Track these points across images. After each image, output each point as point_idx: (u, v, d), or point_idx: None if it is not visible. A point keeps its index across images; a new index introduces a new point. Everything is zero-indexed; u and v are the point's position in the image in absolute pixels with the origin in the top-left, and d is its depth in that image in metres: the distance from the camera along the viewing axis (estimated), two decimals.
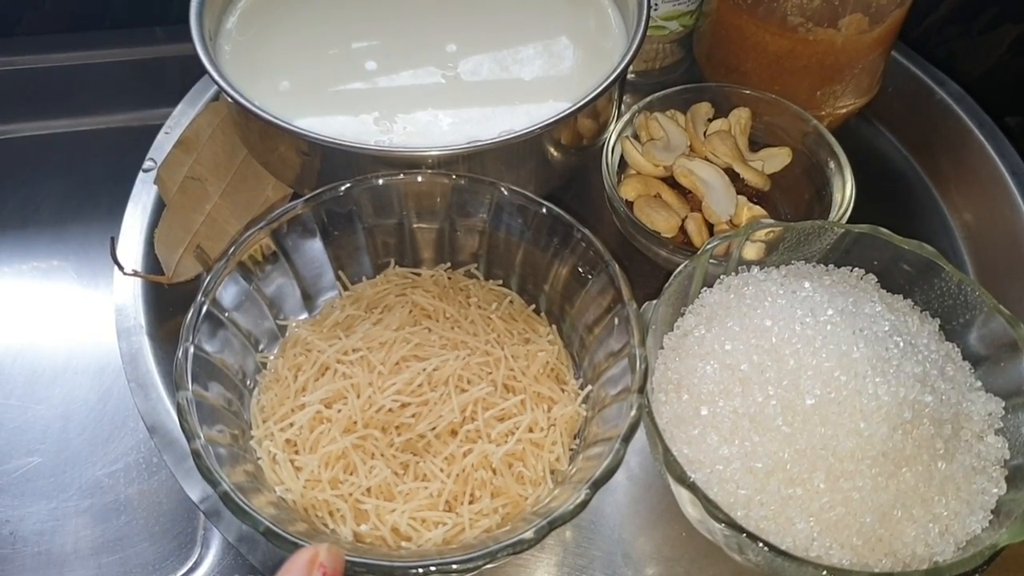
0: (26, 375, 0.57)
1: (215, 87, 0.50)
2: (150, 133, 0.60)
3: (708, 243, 0.46)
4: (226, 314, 0.44)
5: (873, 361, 0.42)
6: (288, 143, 0.50)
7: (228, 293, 0.44)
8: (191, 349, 0.41)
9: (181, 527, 0.52)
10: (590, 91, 0.49)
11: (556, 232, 0.47)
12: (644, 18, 0.51)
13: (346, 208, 0.48)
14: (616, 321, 0.44)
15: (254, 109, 0.47)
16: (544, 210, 0.47)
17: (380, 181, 0.47)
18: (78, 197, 0.66)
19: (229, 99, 0.48)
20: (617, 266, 0.45)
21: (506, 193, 0.47)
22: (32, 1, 0.73)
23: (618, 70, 0.50)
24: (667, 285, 0.45)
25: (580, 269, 0.47)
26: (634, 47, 0.50)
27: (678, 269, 0.46)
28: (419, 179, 0.47)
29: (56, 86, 0.71)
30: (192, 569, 0.50)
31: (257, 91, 0.52)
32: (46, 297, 0.61)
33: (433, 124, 0.51)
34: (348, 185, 0.47)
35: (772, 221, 0.48)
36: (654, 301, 0.45)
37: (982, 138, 0.59)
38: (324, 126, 0.51)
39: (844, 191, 0.53)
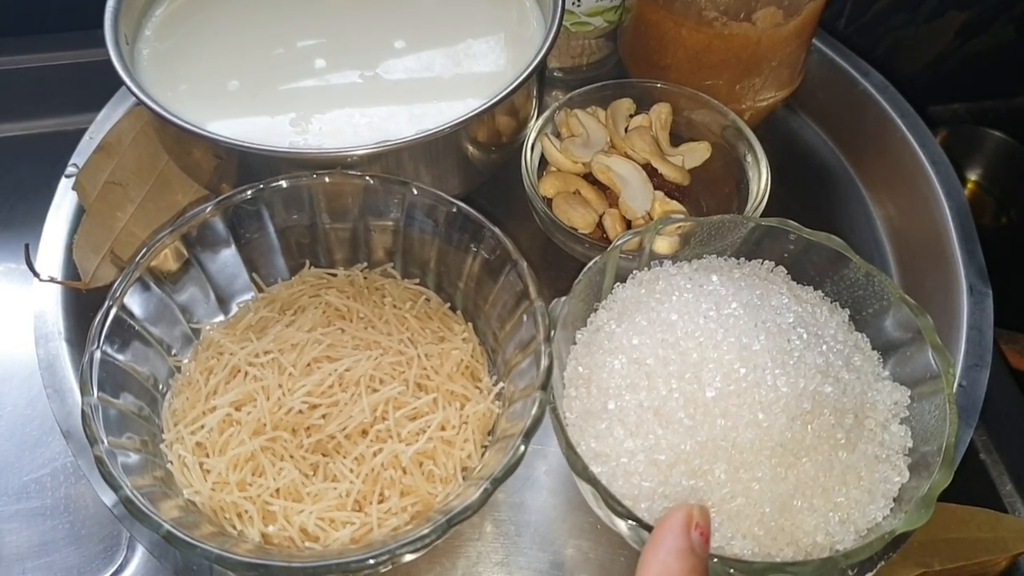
0: None
1: None
2: (79, 138, 0.60)
3: (618, 239, 0.47)
4: (137, 322, 0.44)
5: (773, 353, 0.42)
6: (203, 147, 0.50)
7: (137, 299, 0.45)
8: (97, 355, 0.42)
9: (107, 531, 0.52)
10: (506, 86, 0.49)
11: (467, 230, 0.47)
12: (559, 13, 0.51)
13: (257, 210, 0.48)
14: (525, 318, 0.44)
15: (165, 114, 0.47)
16: (455, 209, 0.47)
17: (287, 183, 0.47)
18: (8, 204, 0.66)
19: (142, 104, 0.48)
20: (525, 264, 0.45)
21: (416, 193, 0.48)
22: None
23: (531, 66, 0.50)
24: (577, 281, 0.45)
25: (491, 267, 0.47)
26: (547, 43, 0.50)
27: (588, 265, 0.46)
28: (327, 180, 0.48)
29: None
30: (117, 572, 0.51)
31: (175, 96, 0.52)
32: None
33: (349, 124, 0.52)
34: (257, 187, 0.47)
35: (682, 216, 0.49)
36: (563, 298, 0.45)
37: (904, 128, 0.60)
38: (240, 129, 0.51)
39: (759, 183, 0.53)
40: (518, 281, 0.45)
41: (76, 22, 0.76)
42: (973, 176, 0.94)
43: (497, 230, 0.46)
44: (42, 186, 0.66)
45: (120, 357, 0.43)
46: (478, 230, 0.47)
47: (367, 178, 0.48)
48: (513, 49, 0.56)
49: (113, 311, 0.43)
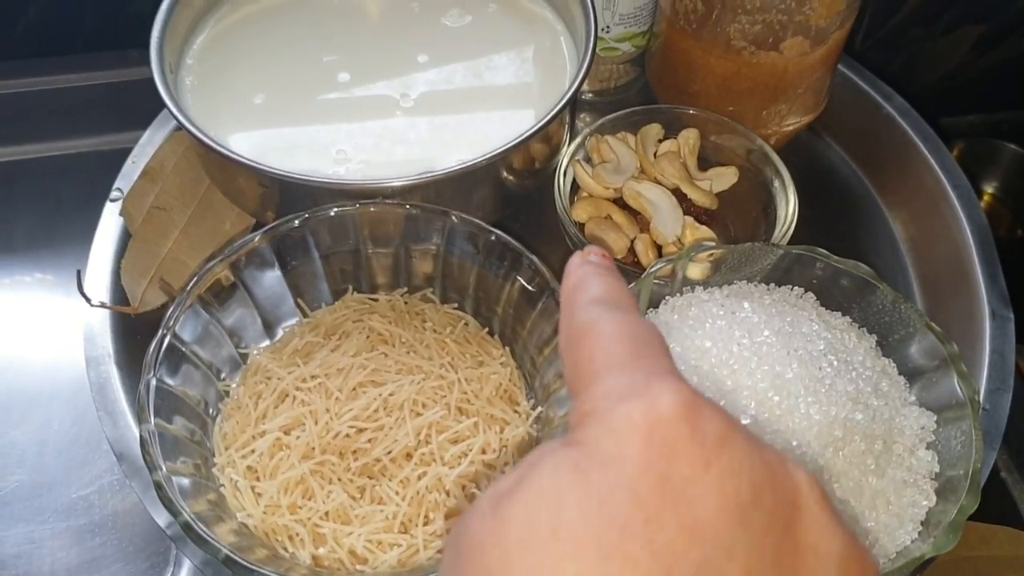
0: (1, 400, 0.59)
1: None
2: (121, 157, 0.62)
3: (652, 266, 0.48)
4: (187, 346, 0.46)
5: (806, 381, 0.44)
6: (247, 176, 0.51)
7: (188, 326, 0.46)
8: (152, 382, 0.43)
9: (154, 547, 0.54)
10: (541, 118, 0.51)
11: (506, 258, 0.49)
12: (591, 44, 0.52)
13: (303, 238, 0.50)
14: None
15: (212, 144, 0.49)
16: (493, 237, 0.49)
17: (334, 212, 0.49)
18: (50, 222, 0.68)
19: (193, 137, 0.49)
20: (559, 290, 0.46)
21: (457, 221, 0.49)
22: (4, 24, 0.74)
23: (566, 97, 0.51)
24: None
25: (529, 294, 0.48)
26: (581, 74, 0.52)
27: None
28: (373, 209, 0.49)
29: (26, 111, 0.73)
30: None
31: (218, 123, 0.54)
32: (20, 323, 0.62)
33: (389, 152, 0.53)
34: (304, 217, 0.49)
35: (713, 243, 0.50)
36: None
37: (926, 152, 0.61)
38: (283, 157, 0.52)
39: (787, 209, 0.54)
40: (556, 309, 0.46)
41: (107, 42, 0.78)
42: (989, 189, 0.95)
43: (535, 259, 0.47)
44: (81, 205, 0.68)
45: (173, 383, 0.45)
46: (517, 258, 0.48)
47: (408, 207, 0.49)
48: (546, 76, 0.57)
49: (167, 339, 0.45)
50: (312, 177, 0.48)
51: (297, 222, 0.48)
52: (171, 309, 0.45)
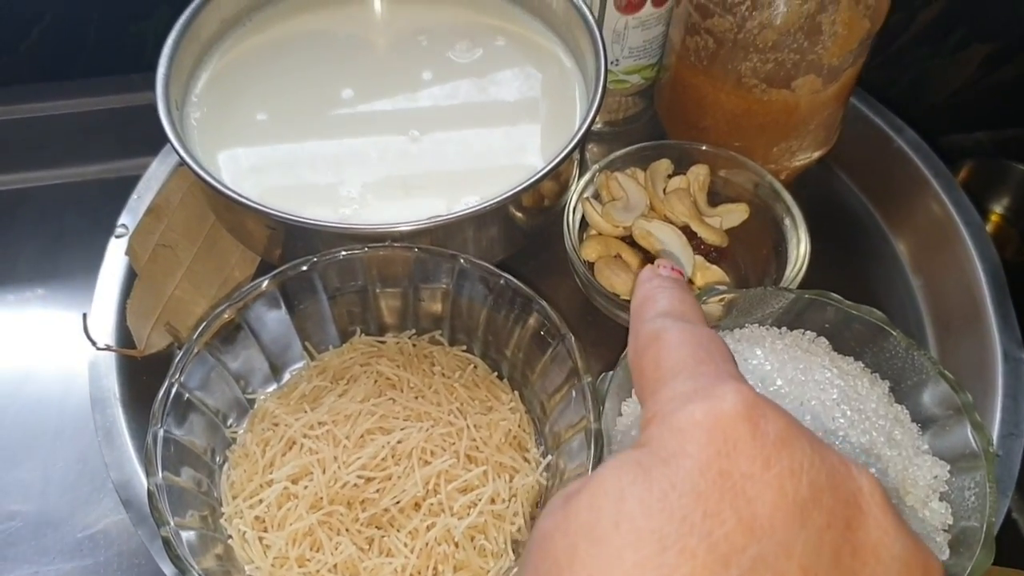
0: (5, 438, 0.58)
1: None
2: (126, 185, 0.62)
3: None
4: (194, 394, 0.46)
5: (820, 433, 0.43)
6: (254, 218, 0.51)
7: (195, 374, 0.46)
8: (160, 434, 0.43)
9: None
10: (550, 159, 0.50)
11: (516, 302, 0.48)
12: (600, 89, 0.52)
13: (310, 280, 0.49)
14: (573, 394, 0.45)
15: (220, 187, 0.48)
16: (503, 281, 0.48)
17: (343, 255, 0.49)
18: (55, 253, 0.67)
19: (201, 179, 0.49)
20: (572, 338, 0.46)
21: (466, 265, 0.49)
22: (5, 47, 0.74)
23: (573, 142, 0.51)
24: (623, 356, 0.46)
25: (539, 339, 0.48)
26: (589, 117, 0.51)
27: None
28: (381, 252, 0.49)
29: (28, 137, 0.72)
30: None
31: (225, 160, 0.53)
32: (24, 356, 0.62)
33: (398, 193, 0.53)
34: (312, 261, 0.48)
35: (725, 288, 0.49)
36: (610, 373, 0.46)
37: (937, 187, 0.60)
38: (291, 197, 0.52)
39: (799, 250, 0.54)
40: (566, 356, 0.46)
41: (110, 66, 0.77)
42: (998, 209, 0.95)
43: (545, 304, 0.47)
44: (86, 235, 0.68)
45: (180, 433, 0.44)
46: (527, 303, 0.48)
47: (417, 250, 0.49)
48: (555, 113, 0.57)
49: (175, 389, 0.44)
50: (321, 221, 0.48)
51: (305, 266, 0.48)
52: (178, 358, 0.45)
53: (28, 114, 0.73)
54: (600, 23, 0.59)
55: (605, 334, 0.55)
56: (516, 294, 0.48)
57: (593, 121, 0.51)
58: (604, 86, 0.52)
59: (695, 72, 0.57)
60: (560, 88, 0.57)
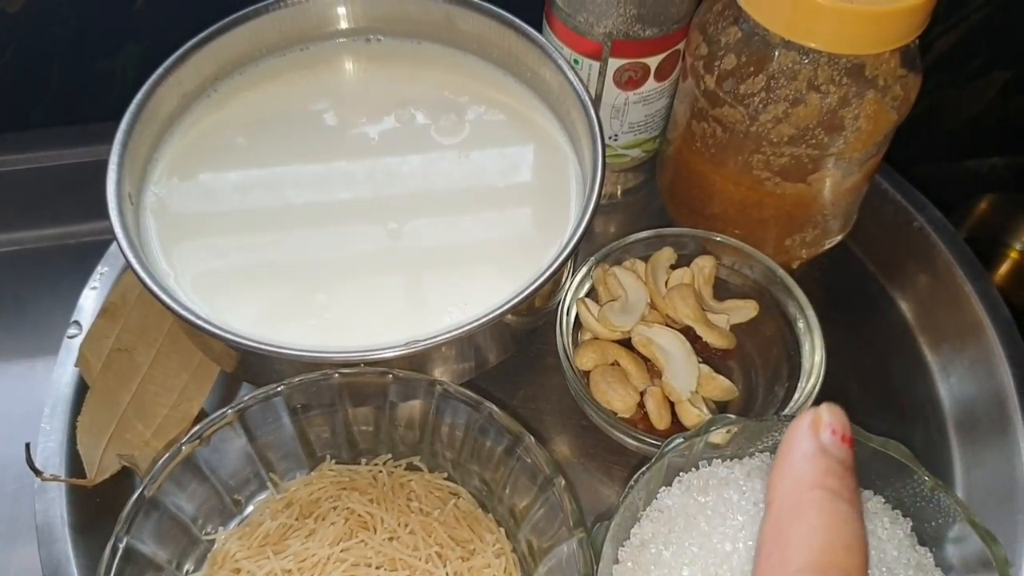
0: None
1: None
2: (89, 253, 0.57)
3: (668, 444, 0.44)
4: (146, 547, 0.41)
5: None
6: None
7: (147, 527, 0.41)
8: None
9: None
10: (542, 264, 0.46)
11: (501, 438, 0.44)
12: (596, 192, 0.47)
13: (274, 408, 0.45)
14: (565, 549, 0.41)
15: (180, 310, 0.43)
16: (488, 413, 0.44)
17: (312, 379, 0.44)
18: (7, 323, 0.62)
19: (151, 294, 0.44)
20: (563, 483, 0.42)
21: (447, 391, 0.44)
22: None
23: (572, 242, 0.46)
24: (621, 500, 0.42)
25: (528, 478, 0.44)
26: (587, 215, 0.46)
27: (631, 483, 0.42)
28: (353, 379, 0.44)
29: None
30: None
31: (184, 262, 0.48)
32: None
33: (374, 300, 0.48)
34: (276, 390, 0.44)
35: (734, 418, 0.45)
36: (605, 523, 0.42)
37: (962, 275, 0.56)
38: (255, 303, 0.47)
39: (813, 359, 0.49)
40: (557, 506, 0.42)
41: (69, 105, 0.72)
42: (1017, 245, 0.91)
43: (534, 444, 0.43)
44: (42, 299, 0.63)
45: None
46: (515, 442, 0.43)
47: (391, 376, 0.44)
48: (548, 200, 0.52)
49: (122, 546, 0.40)
50: (286, 349, 0.43)
51: (273, 396, 0.43)
52: (127, 511, 0.40)
53: None
54: (598, 99, 0.54)
55: (599, 445, 0.51)
56: (502, 428, 0.43)
57: (589, 225, 0.46)
58: (600, 188, 0.47)
59: (701, 159, 0.52)
60: (554, 173, 0.52)
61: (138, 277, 0.44)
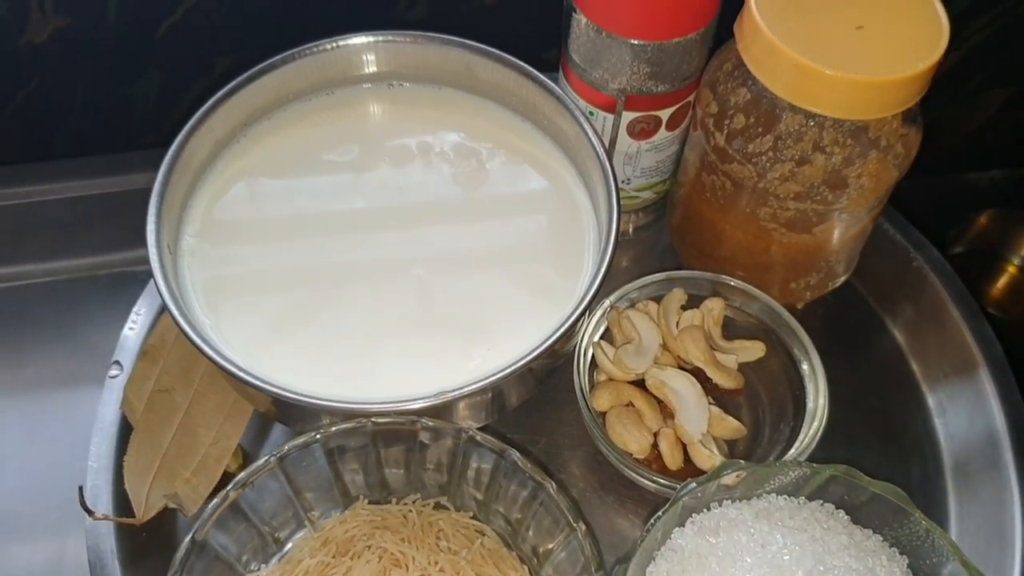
0: None
1: None
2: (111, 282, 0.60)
3: (682, 489, 0.47)
4: None
5: None
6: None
7: (196, 567, 0.44)
8: None
9: None
10: (563, 311, 0.48)
11: (526, 482, 0.47)
12: (611, 248, 0.49)
13: (312, 452, 0.48)
14: None
15: (222, 362, 0.46)
16: (514, 459, 0.47)
17: (349, 428, 0.47)
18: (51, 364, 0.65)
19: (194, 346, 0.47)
20: (584, 529, 0.45)
21: (473, 438, 0.47)
22: None
23: (589, 294, 0.49)
24: (638, 545, 0.45)
25: (551, 522, 0.47)
26: (601, 273, 0.49)
27: (648, 527, 0.45)
28: (384, 427, 0.47)
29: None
30: None
31: (219, 309, 0.51)
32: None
33: (401, 346, 0.51)
34: (317, 436, 0.47)
35: (744, 463, 0.48)
36: (624, 565, 0.45)
37: (958, 314, 0.58)
38: (287, 349, 0.50)
39: (817, 402, 0.52)
40: (579, 549, 0.45)
41: (94, 132, 0.75)
42: (1016, 260, 0.94)
43: (556, 492, 0.46)
44: (80, 328, 0.66)
45: None
46: (538, 488, 0.46)
47: (420, 424, 0.47)
48: (564, 245, 0.54)
49: None
50: (325, 401, 0.46)
51: (312, 445, 0.46)
52: (179, 554, 0.44)
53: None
54: (612, 147, 0.56)
55: (614, 478, 0.54)
56: (526, 474, 0.46)
57: (605, 278, 0.49)
58: (615, 246, 0.49)
59: (710, 207, 0.54)
60: (571, 220, 0.55)
61: (184, 334, 0.46)
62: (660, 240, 0.64)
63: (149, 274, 0.48)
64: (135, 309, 0.57)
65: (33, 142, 0.76)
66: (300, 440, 0.46)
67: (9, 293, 0.68)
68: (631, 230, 0.64)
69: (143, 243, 0.64)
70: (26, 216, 0.70)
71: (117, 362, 0.56)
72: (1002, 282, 0.94)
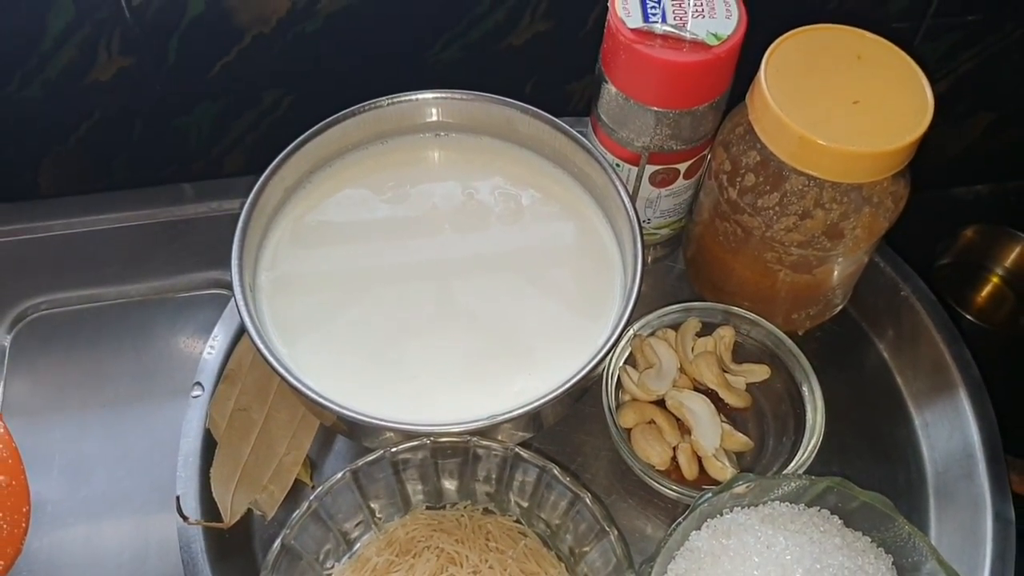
0: None
1: None
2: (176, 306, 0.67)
3: (700, 499, 0.54)
4: None
5: None
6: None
7: (282, 567, 0.52)
8: None
9: None
10: (597, 349, 0.55)
11: (565, 495, 0.54)
12: (636, 288, 0.56)
13: (381, 466, 0.55)
14: None
15: (302, 388, 0.53)
16: (556, 473, 0.54)
17: (412, 444, 0.54)
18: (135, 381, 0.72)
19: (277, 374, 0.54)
20: (615, 534, 0.52)
21: (519, 455, 0.55)
22: (57, 138, 0.77)
23: (620, 326, 0.55)
24: (661, 546, 0.53)
25: (586, 528, 0.54)
26: (628, 311, 0.56)
27: (670, 531, 0.53)
28: (443, 445, 0.55)
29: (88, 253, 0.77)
30: None
31: (292, 341, 0.58)
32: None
33: (454, 374, 0.57)
34: (384, 454, 0.54)
35: (753, 476, 0.55)
36: (650, 564, 0.53)
37: (939, 339, 0.66)
38: (352, 387, 0.56)
39: (816, 420, 0.60)
40: (611, 551, 0.52)
41: (149, 161, 0.82)
42: (999, 270, 1.00)
43: (590, 502, 0.53)
44: (155, 347, 0.73)
45: None
46: (575, 499, 0.54)
47: (472, 441, 0.54)
48: (594, 285, 0.61)
49: None
50: (388, 422, 0.53)
51: (382, 461, 0.54)
52: (271, 556, 0.51)
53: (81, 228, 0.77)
54: (635, 193, 0.64)
55: (639, 485, 0.61)
56: (565, 488, 0.54)
57: (632, 315, 0.56)
58: (640, 287, 0.56)
59: (722, 248, 0.62)
60: (600, 258, 0.61)
61: (270, 366, 0.53)
62: (674, 269, 0.71)
63: (213, 297, 0.54)
64: (212, 334, 0.65)
65: (93, 168, 0.82)
66: (372, 456, 0.54)
67: (85, 315, 0.75)
68: (649, 260, 0.71)
69: (204, 267, 0.72)
70: (99, 243, 0.77)
71: (199, 383, 0.63)
72: (986, 291, 1.01)
